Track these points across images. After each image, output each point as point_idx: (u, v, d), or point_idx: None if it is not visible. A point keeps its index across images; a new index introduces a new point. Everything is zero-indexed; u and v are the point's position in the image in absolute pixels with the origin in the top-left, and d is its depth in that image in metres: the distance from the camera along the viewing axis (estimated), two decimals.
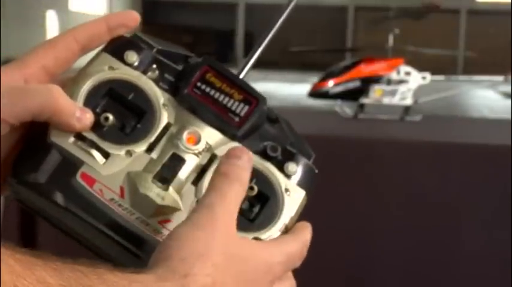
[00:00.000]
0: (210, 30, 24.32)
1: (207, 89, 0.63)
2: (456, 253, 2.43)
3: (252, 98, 0.63)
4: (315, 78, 10.91)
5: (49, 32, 19.61)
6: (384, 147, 2.53)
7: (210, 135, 0.62)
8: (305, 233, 0.62)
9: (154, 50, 0.63)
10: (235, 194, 0.57)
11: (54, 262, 0.49)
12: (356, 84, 10.35)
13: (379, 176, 2.46)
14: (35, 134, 0.60)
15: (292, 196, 0.62)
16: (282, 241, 0.60)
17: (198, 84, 0.63)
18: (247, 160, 0.59)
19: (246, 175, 0.59)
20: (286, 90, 14.50)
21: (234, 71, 0.65)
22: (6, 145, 0.59)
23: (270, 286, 0.57)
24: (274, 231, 0.61)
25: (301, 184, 0.63)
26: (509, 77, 12.64)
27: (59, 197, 0.58)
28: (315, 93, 10.60)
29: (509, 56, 16.07)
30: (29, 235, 2.10)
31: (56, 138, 0.59)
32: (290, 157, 0.63)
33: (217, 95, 0.63)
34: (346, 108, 10.50)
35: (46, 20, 19.85)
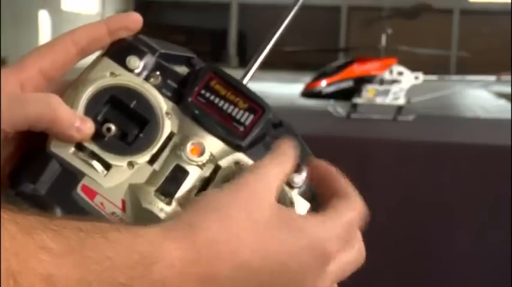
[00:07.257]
0: (202, 30, 24.28)
1: (212, 97, 0.60)
2: (450, 254, 2.42)
3: (257, 106, 0.61)
4: (308, 78, 10.91)
5: (41, 32, 19.56)
6: (376, 147, 2.53)
7: (214, 146, 0.59)
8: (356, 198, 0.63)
9: (157, 54, 0.61)
10: (275, 166, 0.55)
11: (54, 222, 0.47)
12: (349, 84, 10.34)
13: (372, 176, 2.46)
14: (34, 144, 0.57)
15: (297, 209, 0.60)
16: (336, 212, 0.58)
17: (202, 92, 0.60)
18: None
19: (292, 152, 0.58)
20: (279, 90, 14.49)
21: (240, 74, 0.63)
22: (1, 155, 0.57)
23: (321, 270, 0.54)
24: None
25: (305, 195, 0.61)
26: (502, 77, 12.65)
27: (58, 211, 0.56)
28: (307, 93, 10.59)
29: (502, 55, 16.10)
30: None
31: (55, 148, 0.57)
32: (295, 168, 0.60)
33: (221, 103, 0.60)
34: (339, 108, 10.50)
35: (38, 19, 19.81)
